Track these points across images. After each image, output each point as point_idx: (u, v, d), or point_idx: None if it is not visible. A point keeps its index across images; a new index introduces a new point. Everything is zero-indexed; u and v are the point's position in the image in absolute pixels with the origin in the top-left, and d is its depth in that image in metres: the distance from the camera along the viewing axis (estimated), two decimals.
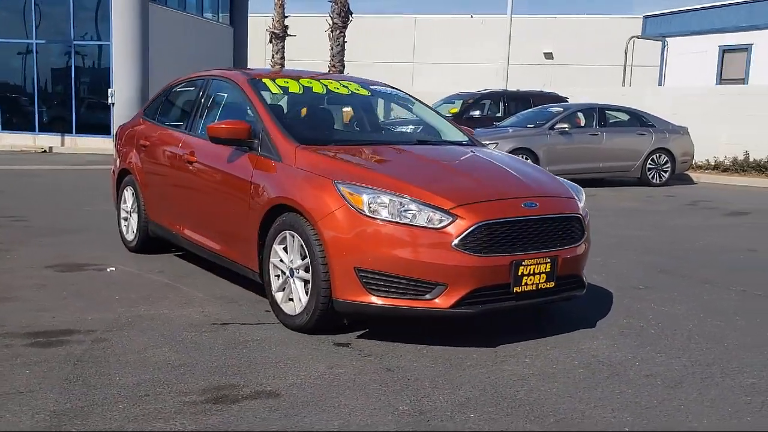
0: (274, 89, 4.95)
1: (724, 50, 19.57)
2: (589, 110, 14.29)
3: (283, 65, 22.39)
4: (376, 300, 3.74)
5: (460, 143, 5.05)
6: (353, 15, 23.76)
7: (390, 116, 13.84)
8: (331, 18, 23.05)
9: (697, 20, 20.11)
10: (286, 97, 4.97)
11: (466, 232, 3.68)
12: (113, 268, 5.65)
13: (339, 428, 2.89)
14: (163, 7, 20.98)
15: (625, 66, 22.08)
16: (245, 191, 4.47)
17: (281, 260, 4.22)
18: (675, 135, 14.70)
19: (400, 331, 4.12)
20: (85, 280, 5.25)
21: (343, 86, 5.29)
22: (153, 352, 3.73)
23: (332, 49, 23.22)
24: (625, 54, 22.09)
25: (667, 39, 20.89)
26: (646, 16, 21.75)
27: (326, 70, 23.12)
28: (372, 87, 5.51)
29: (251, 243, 4.44)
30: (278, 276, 4.28)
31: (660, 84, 20.96)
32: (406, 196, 3.77)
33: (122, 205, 6.44)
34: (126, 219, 6.40)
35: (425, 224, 3.70)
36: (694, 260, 6.62)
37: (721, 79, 19.39)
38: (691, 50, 19.79)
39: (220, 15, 24.80)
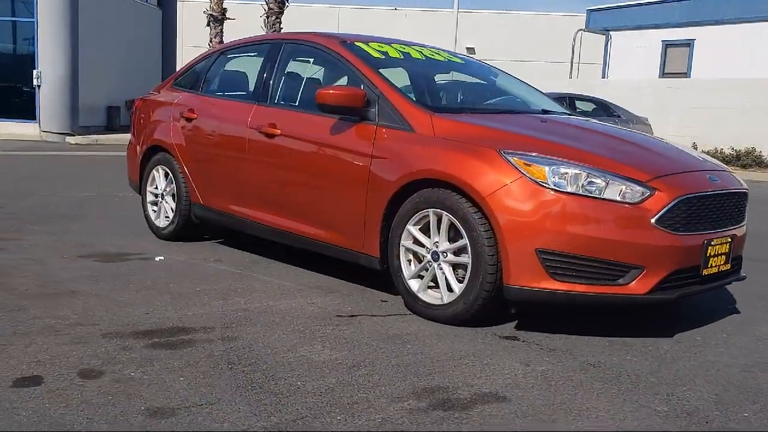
0: (375, 54, 4.40)
1: (667, 45, 20.15)
2: (559, 100, 14.27)
3: None
4: (560, 286, 3.30)
5: (570, 114, 4.67)
6: (289, 2, 23.07)
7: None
8: (267, 4, 22.25)
9: (640, 15, 20.61)
10: (388, 62, 4.42)
11: (667, 207, 3.30)
12: (161, 257, 4.94)
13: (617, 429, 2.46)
14: None
15: (572, 60, 22.41)
16: (361, 166, 3.93)
17: (416, 243, 3.71)
18: (638, 125, 14.96)
19: (549, 319, 3.71)
20: (141, 271, 4.54)
21: (436, 53, 4.82)
22: (308, 350, 3.15)
23: None
24: (573, 47, 22.40)
25: (610, 33, 21.33)
26: (590, 10, 22.12)
27: None
28: (459, 55, 5.05)
29: (370, 225, 3.90)
30: (410, 261, 3.78)
31: (603, 77, 21.40)
32: (592, 166, 3.35)
33: (149, 188, 5.69)
34: (155, 203, 5.66)
35: (618, 198, 3.29)
36: None
37: (663, 73, 19.96)
38: (635, 44, 20.28)
39: None
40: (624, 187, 3.30)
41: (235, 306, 3.83)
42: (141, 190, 5.81)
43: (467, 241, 3.46)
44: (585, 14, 22.56)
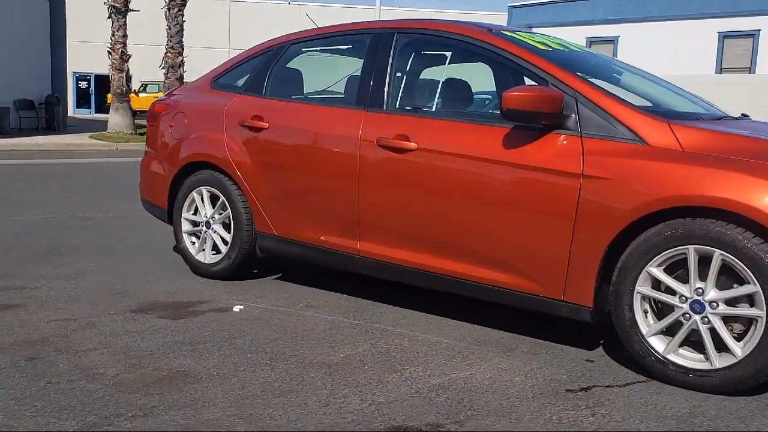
0: (539, 45, 3.52)
1: (591, 41, 20.23)
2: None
3: (125, 44, 19.51)
4: None
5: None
6: None
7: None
8: None
9: (563, 12, 20.56)
10: (562, 55, 3.53)
11: None
12: (240, 307, 3.85)
13: None
14: None
15: None
16: (565, 189, 3.05)
17: (660, 288, 2.89)
18: None
19: None
20: (236, 331, 3.45)
21: (581, 47, 4.01)
22: None
23: (170, 29, 20.84)
24: None
25: (533, 30, 21.16)
26: (511, 6, 21.89)
27: (164, 53, 20.62)
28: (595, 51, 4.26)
29: (579, 266, 3.04)
30: (647, 312, 2.95)
31: None
32: None
33: (185, 214, 4.51)
34: (195, 234, 4.49)
35: None
36: None
37: None
38: None
39: None
40: None
41: (419, 383, 2.86)
42: (171, 217, 4.62)
43: (758, 288, 2.67)
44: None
